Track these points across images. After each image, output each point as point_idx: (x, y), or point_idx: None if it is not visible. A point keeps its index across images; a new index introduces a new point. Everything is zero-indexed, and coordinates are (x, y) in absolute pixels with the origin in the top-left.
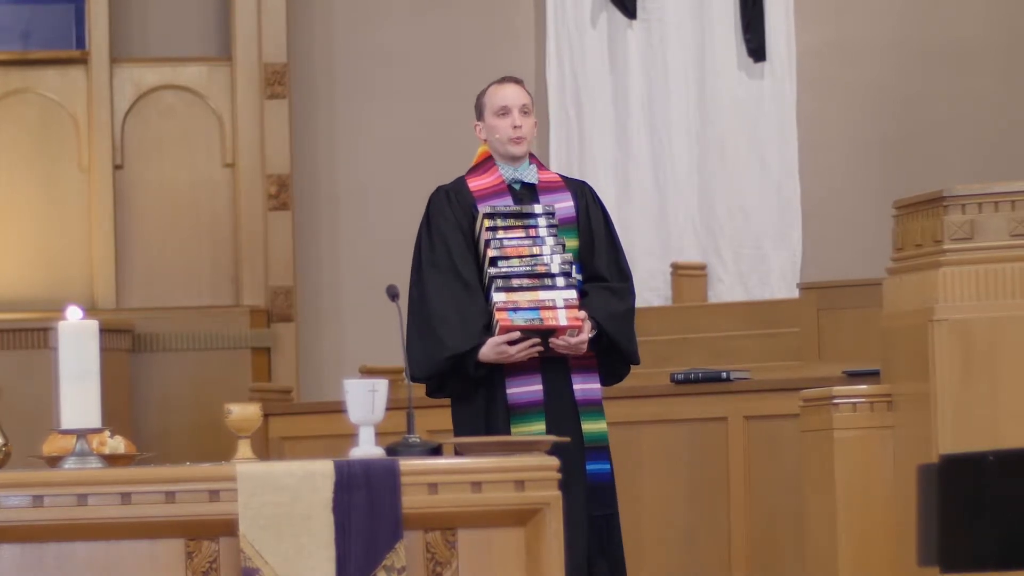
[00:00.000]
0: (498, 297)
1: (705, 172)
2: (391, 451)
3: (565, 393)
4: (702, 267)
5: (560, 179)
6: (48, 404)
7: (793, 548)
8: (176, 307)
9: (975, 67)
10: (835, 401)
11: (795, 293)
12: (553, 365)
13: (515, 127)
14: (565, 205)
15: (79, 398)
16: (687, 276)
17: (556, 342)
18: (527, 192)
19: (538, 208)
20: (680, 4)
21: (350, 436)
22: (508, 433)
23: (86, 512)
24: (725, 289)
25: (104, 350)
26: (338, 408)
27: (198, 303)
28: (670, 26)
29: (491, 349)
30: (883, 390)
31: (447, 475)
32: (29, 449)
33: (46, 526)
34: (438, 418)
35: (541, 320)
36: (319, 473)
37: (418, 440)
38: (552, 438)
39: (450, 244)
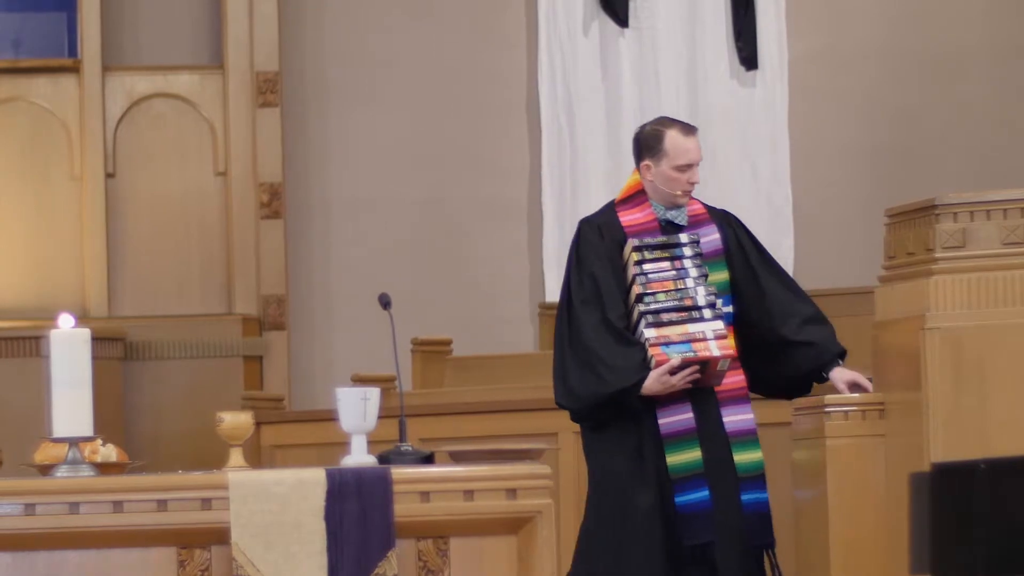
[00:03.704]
0: (649, 333)
1: None
2: (383, 459)
3: (716, 423)
4: None
5: (704, 211)
6: (40, 412)
7: (785, 556)
8: (168, 315)
9: (968, 75)
10: (827, 409)
11: None
12: (701, 395)
13: (692, 183)
14: (711, 238)
15: (71, 406)
16: None
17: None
18: (673, 225)
19: (684, 237)
20: (672, 12)
21: (342, 444)
22: (663, 463)
23: (78, 520)
24: None
25: (96, 358)
26: (330, 416)
27: (190, 311)
28: (662, 34)
29: (655, 382)
30: (875, 398)
31: (439, 483)
32: (21, 457)
33: (38, 534)
34: (430, 426)
35: (695, 353)
36: (311, 481)
37: (410, 448)
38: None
39: (599, 282)
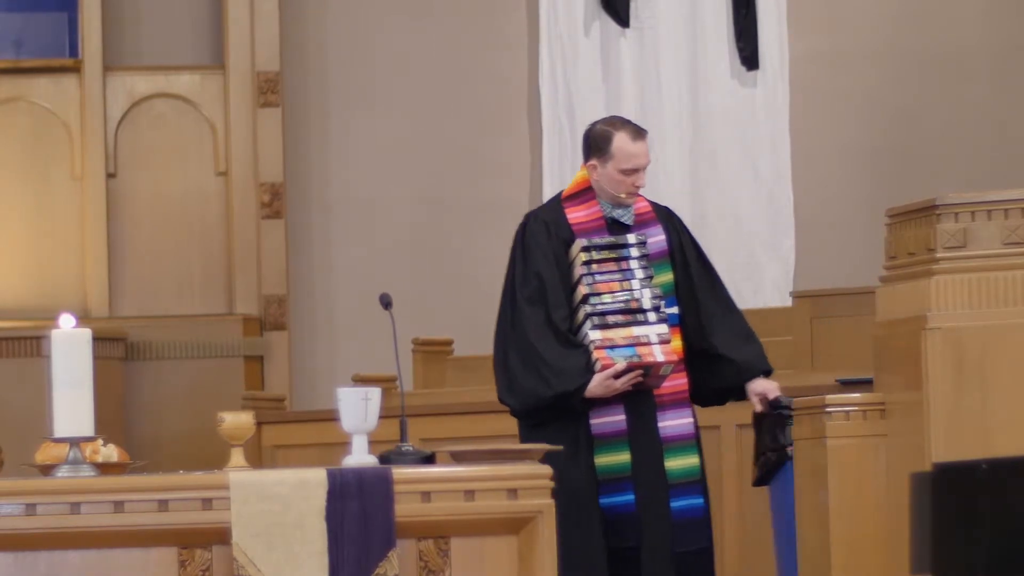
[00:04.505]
0: (594, 335)
1: (698, 181)
2: (384, 459)
3: (650, 427)
4: None
5: (650, 209)
6: (41, 412)
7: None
8: (169, 315)
9: (969, 75)
10: (828, 409)
11: (788, 301)
12: (638, 398)
13: (637, 186)
14: (657, 239)
15: (72, 406)
16: None
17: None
18: (619, 224)
19: (631, 238)
20: (673, 12)
21: (343, 444)
22: (591, 463)
23: (79, 520)
24: None
25: (97, 358)
26: (331, 416)
27: (191, 311)
28: (663, 34)
29: (599, 385)
30: (876, 398)
31: (440, 483)
32: (22, 457)
33: (39, 534)
34: (431, 427)
35: (639, 357)
36: (312, 481)
37: (411, 448)
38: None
39: (545, 281)
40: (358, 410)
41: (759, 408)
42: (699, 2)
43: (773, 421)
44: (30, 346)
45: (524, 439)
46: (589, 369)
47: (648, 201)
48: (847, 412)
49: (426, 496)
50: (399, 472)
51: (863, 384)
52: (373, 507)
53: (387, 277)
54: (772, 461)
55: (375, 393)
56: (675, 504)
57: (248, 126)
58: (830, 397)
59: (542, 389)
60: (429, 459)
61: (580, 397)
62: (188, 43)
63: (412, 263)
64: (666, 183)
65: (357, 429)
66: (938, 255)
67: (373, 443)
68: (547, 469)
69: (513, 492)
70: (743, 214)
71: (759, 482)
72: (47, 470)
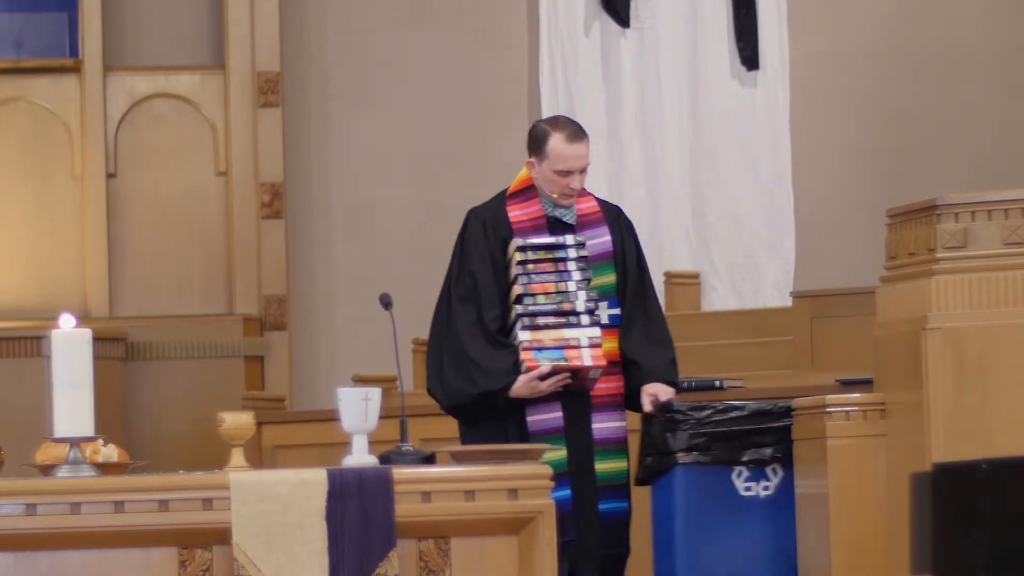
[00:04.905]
0: (523, 336)
1: (698, 181)
2: (384, 459)
3: (585, 428)
4: (695, 276)
5: (597, 208)
6: (41, 412)
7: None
8: (169, 315)
9: (968, 75)
10: (828, 409)
11: (788, 301)
12: (573, 397)
13: (571, 188)
14: (602, 240)
15: (72, 406)
16: (680, 285)
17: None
18: (562, 223)
19: (569, 239)
20: (673, 12)
21: (343, 444)
22: None
23: (79, 521)
24: (718, 298)
25: (97, 358)
26: (331, 417)
27: (191, 311)
28: (663, 34)
29: (523, 386)
30: (876, 398)
31: (440, 483)
32: (22, 457)
33: (39, 534)
34: (431, 427)
35: (566, 360)
36: (312, 482)
37: (411, 448)
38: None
39: (478, 281)
40: (358, 410)
41: (648, 408)
42: (699, 2)
43: (663, 425)
44: (30, 346)
45: (463, 437)
46: (515, 370)
47: (597, 200)
48: (847, 412)
49: (426, 496)
50: (399, 472)
51: (863, 384)
52: (373, 507)
53: (387, 277)
54: (658, 464)
55: (375, 393)
56: (602, 506)
57: (248, 126)
58: (830, 397)
59: (468, 387)
60: (429, 459)
61: (504, 396)
62: (188, 43)
63: (412, 263)
64: (666, 183)
65: (357, 429)
66: (938, 255)
67: (373, 443)
68: (547, 469)
69: (513, 492)
70: (743, 214)
71: (641, 482)
72: (47, 470)
